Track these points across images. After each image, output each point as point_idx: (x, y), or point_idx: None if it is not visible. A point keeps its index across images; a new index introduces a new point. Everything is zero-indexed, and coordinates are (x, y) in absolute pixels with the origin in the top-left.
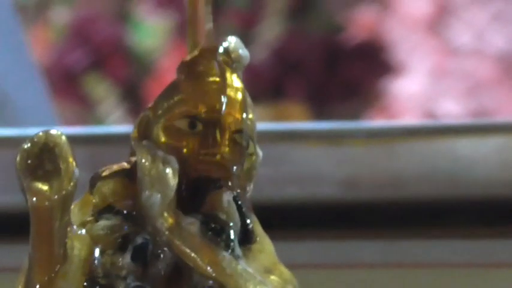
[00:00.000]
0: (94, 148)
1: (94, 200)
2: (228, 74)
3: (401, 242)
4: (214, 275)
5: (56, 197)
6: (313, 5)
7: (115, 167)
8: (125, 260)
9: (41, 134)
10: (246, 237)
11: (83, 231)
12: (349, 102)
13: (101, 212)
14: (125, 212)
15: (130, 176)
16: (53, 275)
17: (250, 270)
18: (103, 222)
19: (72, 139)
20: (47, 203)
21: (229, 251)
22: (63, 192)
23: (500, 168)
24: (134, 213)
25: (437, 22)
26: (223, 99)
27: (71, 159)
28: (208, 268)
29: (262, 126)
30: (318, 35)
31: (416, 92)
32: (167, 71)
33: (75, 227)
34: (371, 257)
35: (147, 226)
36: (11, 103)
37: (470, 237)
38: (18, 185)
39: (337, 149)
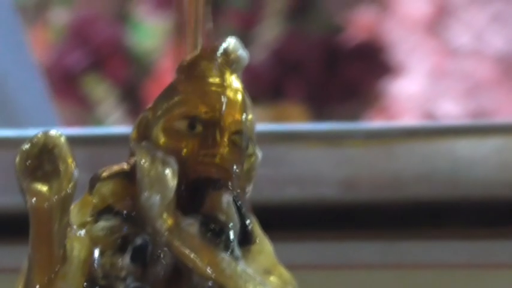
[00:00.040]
0: (93, 149)
1: (93, 201)
2: (227, 75)
3: (401, 242)
4: (213, 275)
5: (55, 198)
6: (312, 6)
7: (114, 168)
8: (125, 260)
9: (40, 135)
10: (246, 238)
11: (83, 232)
12: (349, 103)
13: (101, 212)
14: (124, 212)
15: (129, 177)
16: (52, 275)
17: (249, 271)
18: (102, 223)
19: (72, 140)
20: (46, 204)
21: (229, 252)
22: (63, 193)
23: (499, 169)
24: (134, 214)
25: (437, 23)
26: (223, 100)
27: (70, 160)
28: (208, 269)
29: (261, 127)
30: (317, 35)
31: (415, 92)
32: (166, 72)
33: (74, 227)
34: (370, 257)
35: (147, 227)
36: (11, 103)
37: (469, 238)
38: (17, 186)
39: (337, 150)
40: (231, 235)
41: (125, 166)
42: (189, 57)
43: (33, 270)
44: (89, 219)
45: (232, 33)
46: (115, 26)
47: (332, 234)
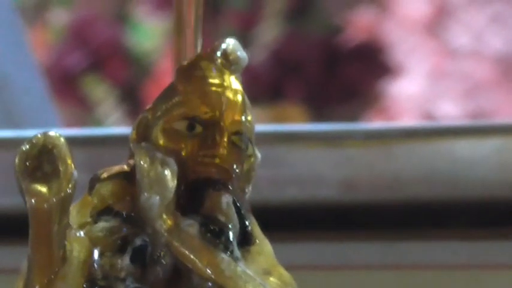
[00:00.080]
0: (93, 150)
1: (93, 202)
2: (226, 76)
3: (400, 243)
4: (213, 276)
5: (54, 199)
6: (311, 7)
7: (114, 169)
8: (124, 261)
9: (39, 135)
10: (245, 239)
11: (82, 233)
12: (348, 104)
13: (100, 213)
14: (123, 213)
15: (129, 177)
16: (52, 277)
17: (249, 272)
18: (102, 224)
19: (71, 141)
20: (45, 205)
21: (228, 252)
22: (62, 194)
23: (498, 170)
24: (133, 215)
25: (436, 23)
26: (222, 100)
27: (69, 161)
28: (207, 270)
29: (260, 127)
30: (316, 36)
31: (414, 93)
32: (166, 73)
33: (74, 228)
34: (370, 258)
35: (146, 228)
36: (12, 103)
37: (468, 239)
38: (16, 187)
39: (336, 151)
40: (231, 236)
41: (124, 167)
42: (188, 58)
43: (32, 271)
44: (88, 220)
45: (231, 34)
46: (114, 26)
47: (332, 235)
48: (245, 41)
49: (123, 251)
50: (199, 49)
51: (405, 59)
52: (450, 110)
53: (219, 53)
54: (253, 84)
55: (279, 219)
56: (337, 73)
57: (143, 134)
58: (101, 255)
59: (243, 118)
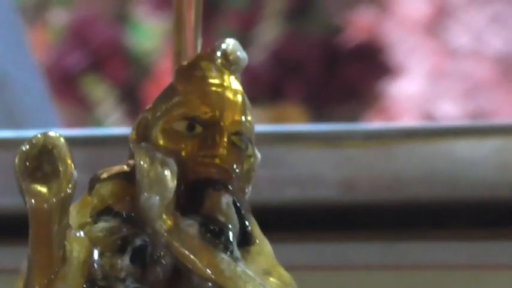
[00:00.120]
0: (93, 150)
1: (93, 202)
2: (226, 76)
3: (400, 243)
4: (213, 277)
5: (54, 199)
6: (311, 7)
7: (114, 169)
8: (124, 262)
9: (39, 136)
10: (245, 239)
11: (82, 233)
12: (348, 104)
13: (100, 214)
14: (123, 214)
15: (129, 178)
16: (52, 277)
17: (249, 272)
18: (102, 224)
19: (71, 141)
20: (45, 205)
21: (228, 253)
22: (62, 195)
23: (498, 170)
24: (133, 215)
25: (436, 23)
26: (222, 101)
27: (69, 161)
28: (207, 270)
29: (260, 128)
30: (316, 36)
31: (414, 93)
32: (166, 73)
33: (74, 229)
34: (369, 258)
35: (146, 228)
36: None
37: (468, 239)
38: (16, 187)
39: (336, 151)
40: (231, 236)
41: (124, 167)
42: (188, 58)
43: (32, 271)
44: (88, 220)
45: (231, 34)
46: (114, 26)
47: (331, 235)
48: (245, 41)
49: (123, 251)
50: (199, 49)
51: (405, 59)
52: (450, 110)
53: (219, 53)
54: (253, 85)
55: (279, 220)
56: (337, 73)
57: (143, 134)
58: (100, 255)
59: (243, 118)
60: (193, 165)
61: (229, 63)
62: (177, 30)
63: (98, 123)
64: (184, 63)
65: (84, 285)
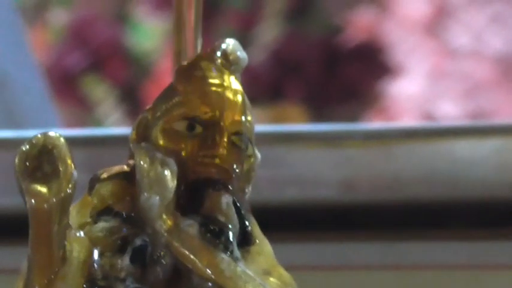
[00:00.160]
0: (93, 150)
1: (93, 202)
2: (226, 76)
3: (400, 243)
4: (213, 277)
5: (54, 199)
6: (311, 7)
7: (114, 169)
8: (124, 262)
9: (39, 136)
10: (245, 239)
11: (82, 233)
12: (348, 104)
13: (100, 214)
14: (123, 214)
15: (129, 177)
16: (52, 277)
17: (249, 272)
18: (102, 224)
19: (71, 141)
20: (45, 205)
21: (228, 253)
22: (62, 195)
23: (498, 170)
24: (133, 215)
25: (436, 23)
26: (222, 101)
27: (69, 161)
28: (207, 270)
29: (260, 128)
30: (316, 36)
31: (414, 93)
32: (166, 73)
33: (74, 229)
34: (369, 258)
35: (146, 228)
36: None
37: (468, 239)
38: (16, 187)
39: (336, 151)
40: (231, 236)
41: (124, 167)
42: (188, 58)
43: (32, 271)
44: (88, 220)
45: (231, 34)
46: (114, 26)
47: (331, 235)
48: (245, 41)
49: (123, 251)
50: (199, 49)
51: (405, 59)
52: (450, 110)
53: (219, 53)
54: (253, 84)
55: (279, 220)
56: (337, 73)
57: (143, 134)
58: (100, 255)
59: (243, 118)
60: (193, 165)
61: (229, 63)
62: (177, 30)
63: (98, 123)
64: (184, 63)
65: (84, 285)
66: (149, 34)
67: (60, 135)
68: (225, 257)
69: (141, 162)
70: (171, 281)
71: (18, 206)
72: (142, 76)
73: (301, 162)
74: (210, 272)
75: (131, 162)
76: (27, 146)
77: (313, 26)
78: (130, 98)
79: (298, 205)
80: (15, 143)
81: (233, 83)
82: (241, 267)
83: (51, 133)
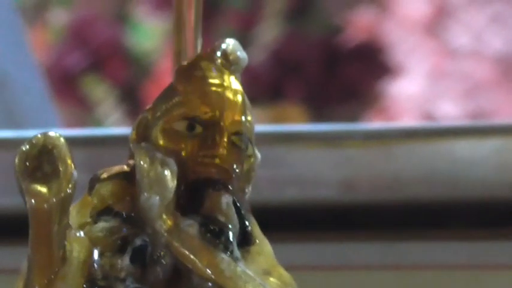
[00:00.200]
0: (93, 150)
1: (93, 202)
2: (226, 76)
3: (400, 243)
4: (213, 277)
5: (54, 199)
6: (311, 7)
7: (114, 169)
8: (124, 262)
9: (39, 136)
10: (245, 239)
11: (82, 233)
12: (348, 104)
13: (100, 214)
14: (123, 214)
15: (129, 177)
16: (52, 277)
17: (249, 272)
18: (102, 224)
19: (71, 141)
20: (45, 205)
21: (228, 253)
22: (62, 195)
23: (498, 170)
24: (133, 215)
25: (436, 23)
26: (222, 101)
27: (69, 161)
28: (207, 270)
29: (260, 128)
30: (316, 36)
31: (414, 93)
32: (166, 73)
33: (73, 229)
34: (369, 258)
35: (146, 228)
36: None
37: (468, 239)
38: (16, 187)
39: (336, 151)
40: (231, 236)
41: (124, 167)
42: (188, 58)
43: (32, 271)
44: (88, 220)
45: (231, 34)
46: (114, 26)
47: (331, 235)
48: (245, 41)
49: (123, 251)
50: (199, 49)
51: (405, 59)
52: (450, 110)
53: (219, 53)
54: (253, 85)
55: (279, 220)
56: (337, 73)
57: (143, 134)
58: (100, 255)
59: (243, 118)
60: (193, 165)
61: (229, 63)
62: (177, 30)
63: (98, 123)
64: (184, 63)
65: (84, 285)
66: (149, 34)
67: (60, 135)
68: (225, 257)
69: (141, 162)
70: (171, 281)
71: (18, 206)
72: (142, 76)
73: (301, 162)
74: (210, 272)
75: (131, 162)
76: (27, 146)
77: (313, 26)
78: (130, 98)
79: (298, 205)
80: (15, 143)
81: (233, 83)
82: (241, 267)
83: (51, 133)
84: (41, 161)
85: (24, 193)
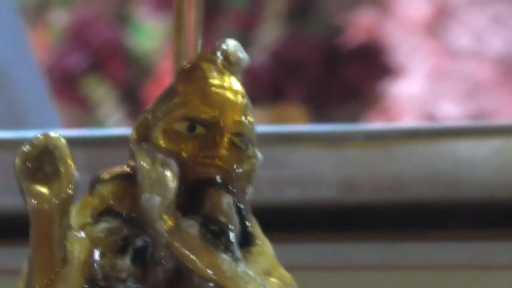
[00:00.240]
0: (93, 150)
1: (93, 203)
2: (227, 77)
3: (401, 244)
4: (214, 277)
5: (55, 199)
6: (312, 7)
7: (115, 170)
8: (125, 262)
9: (40, 136)
10: (246, 240)
11: (83, 233)
12: (349, 105)
13: (101, 214)
14: (124, 214)
15: (130, 178)
16: (53, 277)
17: (250, 272)
18: (102, 225)
19: (72, 141)
20: (46, 206)
21: (229, 253)
22: (63, 195)
23: (499, 170)
24: (134, 215)
25: (436, 24)
26: (223, 101)
27: (70, 162)
28: (208, 270)
29: (261, 128)
30: (317, 37)
31: (415, 94)
32: (166, 73)
33: (74, 229)
34: (370, 259)
35: (147, 228)
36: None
37: (469, 239)
38: (17, 187)
39: (336, 152)
40: (232, 237)
41: (125, 168)
42: (189, 58)
43: (33, 272)
44: (89, 220)
45: (232, 35)
46: (115, 27)
47: (332, 236)
48: (245, 42)
49: (124, 252)
50: (199, 50)
51: (406, 60)
52: (451, 111)
53: (219, 54)
54: (253, 85)
55: (280, 220)
56: (338, 74)
57: (144, 135)
58: (101, 255)
59: (244, 119)
60: (194, 165)
61: (230, 64)
62: (177, 30)
63: (98, 123)
64: (185, 64)
65: (85, 286)
66: (150, 35)
67: (61, 136)
68: (226, 257)
69: (142, 163)
70: (172, 281)
71: (18, 206)
72: (143, 77)
73: (302, 163)
74: (211, 272)
75: (132, 163)
76: (28, 147)
77: (314, 26)
78: (131, 99)
79: (299, 205)
80: (16, 143)
81: (234, 83)
82: (242, 267)
83: (52, 134)
84: (41, 162)
85: (25, 194)
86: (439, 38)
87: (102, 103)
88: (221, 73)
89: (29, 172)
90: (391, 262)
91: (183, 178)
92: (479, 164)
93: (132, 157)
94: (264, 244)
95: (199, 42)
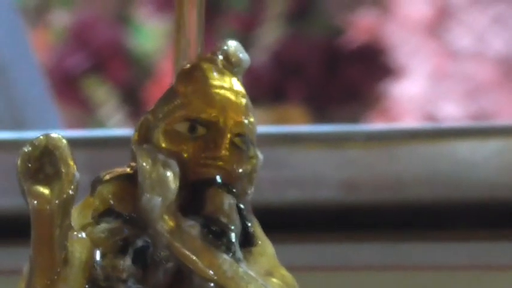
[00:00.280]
0: (94, 151)
1: (95, 203)
2: (228, 78)
3: (402, 244)
4: (215, 277)
5: (56, 200)
6: (313, 8)
7: (116, 171)
8: (126, 263)
9: (41, 137)
10: (247, 240)
11: (84, 234)
12: (350, 105)
13: (102, 215)
14: (125, 215)
15: (131, 179)
16: (54, 278)
17: (251, 273)
18: (103, 226)
19: (73, 142)
20: (47, 207)
21: (230, 253)
22: (64, 196)
23: (500, 171)
24: (135, 216)
25: (437, 25)
26: (224, 102)
27: (71, 163)
28: (209, 271)
29: (262, 129)
30: (317, 38)
31: (416, 94)
32: (167, 74)
33: (75, 230)
34: (371, 259)
35: (148, 229)
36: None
37: (470, 240)
38: (18, 188)
39: (337, 152)
40: (233, 237)
41: (126, 169)
42: (189, 59)
43: (34, 273)
44: (90, 221)
45: (233, 36)
46: (116, 28)
47: (333, 236)
48: (246, 43)
49: (125, 252)
50: (200, 51)
51: (407, 61)
52: (452, 112)
53: (220, 55)
54: (254, 86)
55: (281, 220)
56: (339, 74)
57: (145, 136)
58: (102, 256)
59: (245, 120)
60: (195, 166)
61: (231, 65)
62: (178, 31)
63: (99, 124)
64: (186, 64)
65: (86, 287)
66: (151, 35)
67: (62, 137)
68: (226, 257)
69: (143, 164)
70: (173, 282)
71: (19, 207)
72: (144, 77)
73: (303, 163)
74: (211, 272)
75: (133, 163)
76: (29, 148)
77: (315, 27)
78: (132, 100)
79: (299, 206)
80: (17, 144)
81: (235, 84)
82: (243, 268)
83: (53, 134)
84: (42, 163)
85: (26, 194)
86: (440, 38)
87: (103, 104)
88: (222, 74)
89: (30, 173)
90: (392, 262)
91: (183, 179)
92: (480, 164)
93: (134, 158)
94: (265, 244)
95: (200, 43)
